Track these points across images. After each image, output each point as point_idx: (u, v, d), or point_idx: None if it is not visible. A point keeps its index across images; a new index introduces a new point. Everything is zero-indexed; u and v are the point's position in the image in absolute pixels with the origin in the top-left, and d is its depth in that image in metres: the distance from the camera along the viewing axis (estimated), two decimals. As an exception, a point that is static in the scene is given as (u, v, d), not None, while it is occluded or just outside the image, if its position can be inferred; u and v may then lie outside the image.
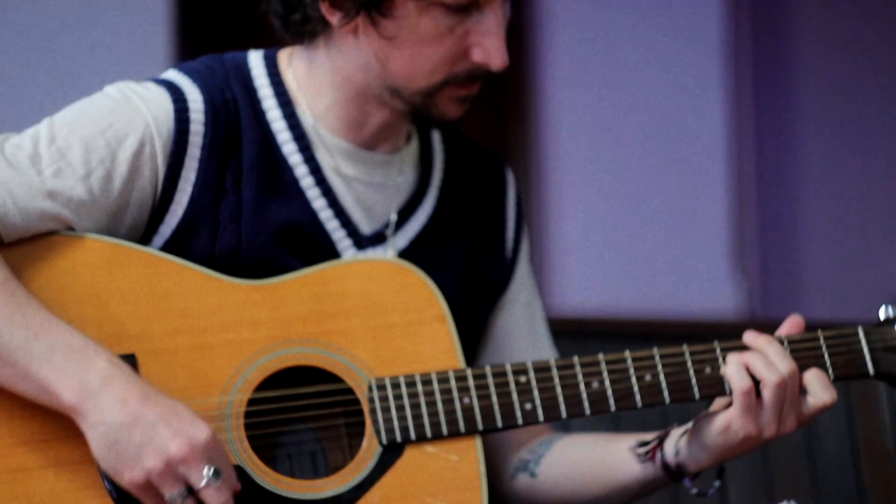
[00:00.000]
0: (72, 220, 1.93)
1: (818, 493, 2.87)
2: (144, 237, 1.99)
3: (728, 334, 2.05)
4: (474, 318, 2.15)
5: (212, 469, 1.80)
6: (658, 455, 2.06)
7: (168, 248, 1.98)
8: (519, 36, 4.69)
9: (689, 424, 2.05)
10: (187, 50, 4.34)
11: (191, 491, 1.82)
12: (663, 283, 4.54)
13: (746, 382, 1.98)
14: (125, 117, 1.96)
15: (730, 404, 2.00)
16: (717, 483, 2.06)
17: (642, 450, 2.07)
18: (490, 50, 1.99)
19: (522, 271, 2.22)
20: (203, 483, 1.80)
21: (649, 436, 2.09)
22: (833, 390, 2.01)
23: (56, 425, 1.87)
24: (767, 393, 1.97)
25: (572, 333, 2.35)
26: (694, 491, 2.06)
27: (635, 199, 4.62)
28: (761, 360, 1.99)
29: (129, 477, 1.81)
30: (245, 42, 2.21)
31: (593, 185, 4.64)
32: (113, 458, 1.82)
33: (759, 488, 2.84)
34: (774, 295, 4.58)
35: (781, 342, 2.03)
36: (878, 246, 4.56)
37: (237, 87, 2.04)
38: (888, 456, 2.91)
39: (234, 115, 2.02)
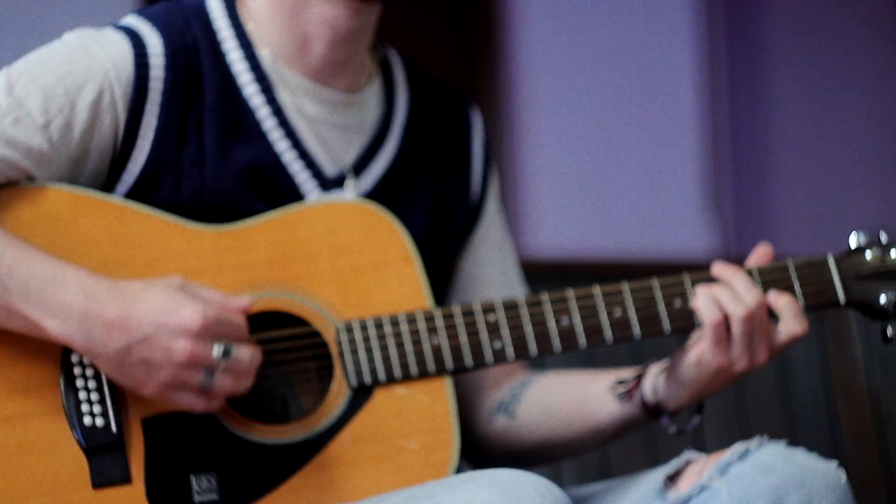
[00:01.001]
0: (31, 171, 1.92)
1: (792, 431, 2.88)
2: (107, 186, 1.98)
3: (702, 273, 2.04)
4: (441, 260, 2.14)
5: (220, 348, 1.81)
6: (637, 394, 2.06)
7: (131, 195, 1.97)
8: (490, -20, 4.67)
9: (667, 361, 2.05)
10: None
11: None
12: (637, 225, 4.55)
13: (716, 315, 1.98)
14: (84, 65, 1.95)
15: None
16: (696, 419, 2.07)
17: (621, 389, 2.07)
18: None
19: (491, 212, 2.21)
20: (221, 367, 1.82)
21: (627, 373, 2.09)
22: (805, 320, 2.01)
23: (28, 375, 1.86)
24: (735, 326, 1.97)
25: (546, 275, 2.34)
26: (672, 429, 2.07)
27: (607, 141, 4.61)
28: (728, 293, 1.99)
29: (150, 392, 1.83)
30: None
31: (565, 127, 4.64)
32: (127, 381, 1.84)
33: (734, 427, 2.85)
34: (748, 234, 4.58)
35: (751, 273, 2.02)
36: (852, 183, 4.57)
37: (197, 30, 2.03)
38: (861, 394, 2.92)
39: (194, 59, 2.01)
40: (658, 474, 1.98)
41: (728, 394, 2.87)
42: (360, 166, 2.08)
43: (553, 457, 2.18)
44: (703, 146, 4.61)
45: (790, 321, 2.00)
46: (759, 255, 2.06)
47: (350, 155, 2.08)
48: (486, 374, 2.17)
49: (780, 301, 2.00)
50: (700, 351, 1.99)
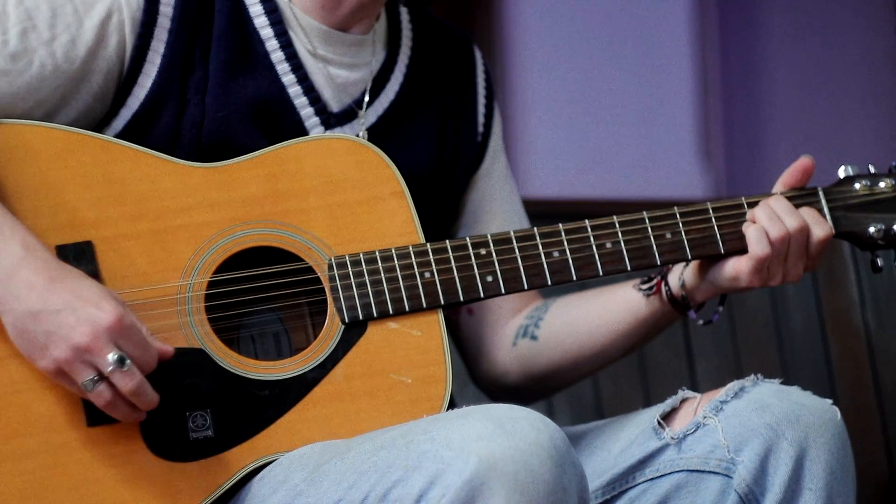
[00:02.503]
0: (32, 85, 1.91)
1: (786, 369, 2.89)
2: (112, 109, 1.98)
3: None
4: (446, 195, 2.15)
5: (116, 355, 1.78)
6: (663, 288, 2.08)
7: (136, 120, 1.97)
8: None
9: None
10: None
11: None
12: (630, 170, 4.54)
13: (765, 250, 1.99)
14: None
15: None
16: (720, 309, 2.09)
17: (646, 286, 2.09)
18: None
19: (495, 148, 2.22)
20: (109, 369, 1.78)
21: (649, 274, 2.11)
22: (826, 224, 2.03)
23: None
24: (773, 244, 2.00)
25: (539, 216, 2.33)
26: (700, 322, 2.09)
27: (602, 87, 4.60)
28: (767, 213, 2.01)
29: (42, 365, 1.81)
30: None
31: (560, 74, 4.62)
32: (25, 345, 1.81)
33: (728, 365, 2.85)
34: (739, 179, 4.58)
35: (741, 206, 2.03)
36: (842, 130, 4.57)
37: None
38: (855, 332, 2.92)
39: None
40: (653, 412, 1.99)
41: (721, 333, 2.87)
42: (363, 101, 2.08)
43: (577, 373, 2.19)
44: (697, 92, 4.60)
45: (815, 228, 2.02)
46: (795, 169, 2.08)
47: (356, 91, 2.08)
48: (503, 304, 2.19)
49: (801, 210, 2.03)
50: (737, 270, 2.01)
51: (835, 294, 2.91)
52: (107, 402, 1.80)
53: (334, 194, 1.96)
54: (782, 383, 1.95)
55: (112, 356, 1.78)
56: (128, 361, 1.78)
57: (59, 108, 1.95)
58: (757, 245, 2.00)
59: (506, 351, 2.18)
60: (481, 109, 2.20)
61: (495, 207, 2.20)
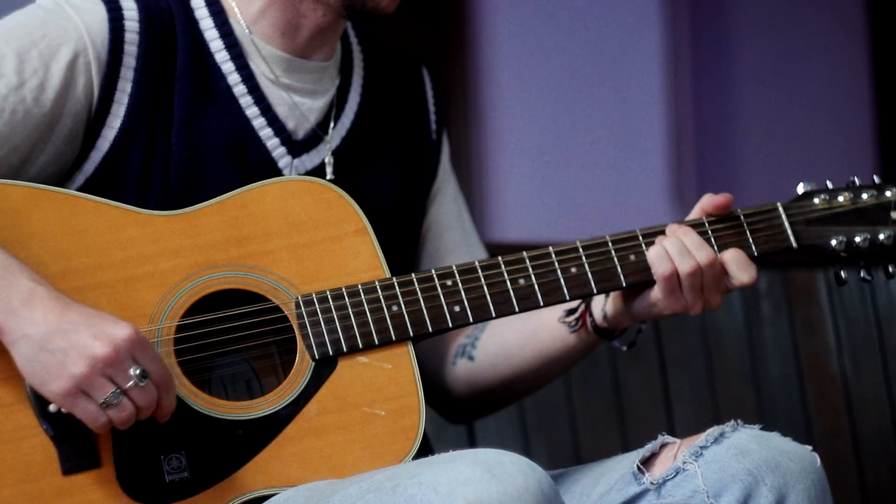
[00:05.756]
0: (2, 135, 1.93)
1: (763, 415, 2.89)
2: (82, 153, 1.99)
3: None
4: (413, 211, 2.18)
5: (138, 369, 1.79)
6: (588, 321, 2.10)
7: (106, 162, 1.99)
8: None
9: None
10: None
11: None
12: (602, 215, 4.55)
13: (667, 267, 2.02)
14: (58, 28, 1.97)
15: None
16: (641, 326, 2.12)
17: (571, 318, 2.11)
18: None
19: (446, 163, 2.25)
20: (129, 384, 1.79)
21: (573, 304, 2.12)
22: (752, 269, 2.04)
23: None
24: (684, 279, 2.02)
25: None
26: (623, 349, 2.13)
27: (573, 131, 4.61)
28: (677, 247, 2.03)
29: (57, 386, 1.79)
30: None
31: (531, 117, 4.63)
32: (38, 369, 1.80)
33: (705, 412, 2.86)
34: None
35: (703, 225, 2.06)
36: (811, 172, 4.59)
37: None
38: (832, 378, 2.93)
39: (169, 25, 2.03)
40: (632, 457, 1.98)
41: (699, 380, 2.87)
42: (326, 126, 2.11)
43: (516, 393, 2.22)
44: (668, 136, 4.62)
45: (737, 272, 2.03)
46: (707, 203, 2.09)
47: (318, 117, 2.10)
48: None
49: (727, 254, 2.04)
50: (654, 297, 2.04)
51: (812, 340, 2.92)
52: (129, 414, 1.80)
53: (298, 235, 1.97)
54: (762, 429, 1.94)
55: (134, 370, 1.79)
56: (149, 376, 1.79)
57: (32, 153, 1.96)
58: (659, 265, 2.02)
59: (448, 369, 2.21)
60: (433, 127, 2.23)
61: (450, 228, 2.23)
